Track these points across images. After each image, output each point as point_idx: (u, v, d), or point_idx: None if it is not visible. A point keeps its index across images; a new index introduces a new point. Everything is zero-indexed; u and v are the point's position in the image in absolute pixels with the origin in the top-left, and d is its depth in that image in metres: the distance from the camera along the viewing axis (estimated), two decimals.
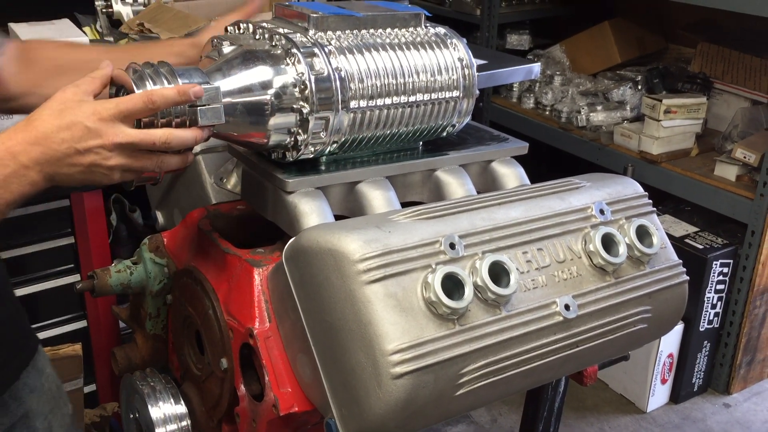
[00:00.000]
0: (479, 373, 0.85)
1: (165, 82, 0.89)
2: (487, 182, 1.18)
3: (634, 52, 3.27)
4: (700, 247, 2.45)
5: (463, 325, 0.84)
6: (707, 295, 2.47)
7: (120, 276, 1.17)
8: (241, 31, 1.04)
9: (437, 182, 1.13)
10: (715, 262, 2.43)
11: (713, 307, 2.50)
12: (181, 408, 1.11)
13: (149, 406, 1.09)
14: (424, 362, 0.81)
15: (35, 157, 0.84)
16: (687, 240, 2.49)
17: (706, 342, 2.54)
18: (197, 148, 1.21)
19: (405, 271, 0.84)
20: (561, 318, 0.91)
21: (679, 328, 2.50)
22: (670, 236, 2.50)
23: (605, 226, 0.98)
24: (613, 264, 0.96)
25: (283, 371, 0.97)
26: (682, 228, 2.58)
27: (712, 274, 2.45)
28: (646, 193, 1.09)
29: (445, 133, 1.14)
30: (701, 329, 2.51)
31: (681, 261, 1.06)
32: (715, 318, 2.53)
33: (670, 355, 2.51)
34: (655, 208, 1.08)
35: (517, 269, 0.89)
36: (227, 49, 1.01)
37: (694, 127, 2.75)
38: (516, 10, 3.46)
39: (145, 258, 1.18)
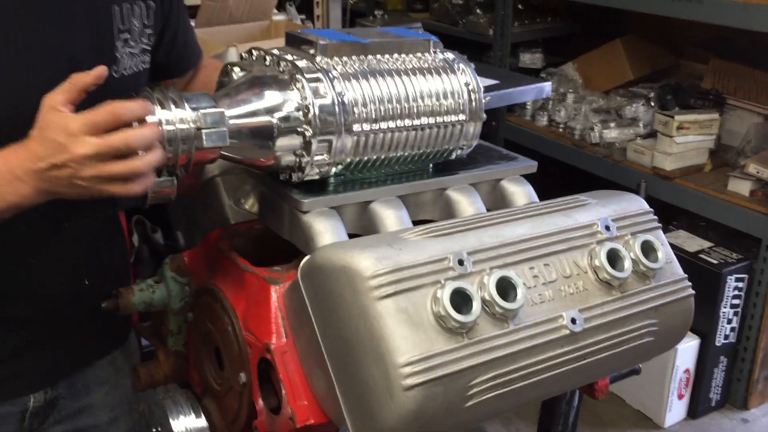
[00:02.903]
0: (488, 385, 0.88)
1: (172, 106, 0.94)
2: (497, 200, 1.21)
3: (646, 69, 3.30)
4: (715, 262, 2.47)
5: (472, 339, 0.87)
6: (723, 310, 2.48)
7: (143, 295, 1.21)
8: (254, 58, 1.09)
9: (448, 201, 1.16)
10: (729, 277, 2.44)
11: (729, 322, 2.51)
12: (202, 422, 1.15)
13: (171, 420, 1.13)
14: (434, 374, 0.84)
15: (27, 172, 0.91)
16: (701, 255, 2.51)
17: (722, 357, 2.55)
18: (216, 171, 1.26)
19: (415, 286, 0.87)
20: (568, 331, 0.94)
21: (695, 343, 2.51)
22: (684, 252, 2.52)
23: (611, 242, 1.01)
24: (619, 278, 0.99)
25: (300, 385, 1.00)
26: (697, 243, 2.60)
27: (727, 289, 2.46)
28: (652, 209, 1.11)
29: (453, 156, 1.18)
30: (717, 344, 2.52)
31: (686, 275, 1.08)
32: (732, 333, 2.53)
33: (687, 371, 2.52)
34: (660, 224, 1.11)
35: (524, 284, 0.92)
36: (236, 74, 1.06)
37: (707, 143, 2.77)
38: (528, 30, 3.51)
39: (167, 277, 1.22)
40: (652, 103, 3.03)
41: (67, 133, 0.88)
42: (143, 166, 0.91)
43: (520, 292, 0.90)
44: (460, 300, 0.87)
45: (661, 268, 1.04)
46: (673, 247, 2.47)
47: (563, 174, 3.26)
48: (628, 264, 1.00)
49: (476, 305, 0.87)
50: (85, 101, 0.93)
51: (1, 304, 1.14)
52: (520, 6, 3.66)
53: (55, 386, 1.23)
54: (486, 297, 0.89)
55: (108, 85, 0.98)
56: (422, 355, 0.84)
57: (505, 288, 0.91)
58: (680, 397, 2.53)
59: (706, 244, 2.58)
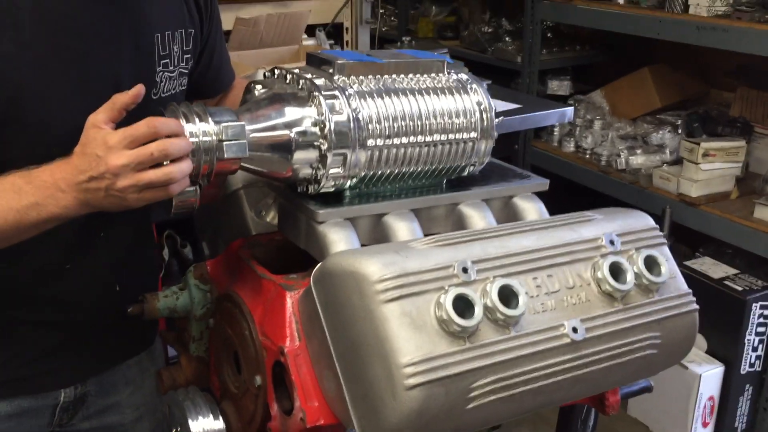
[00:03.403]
0: (489, 388, 0.92)
1: (197, 119, 1.01)
2: (508, 216, 1.25)
3: (674, 97, 3.31)
4: (740, 289, 2.46)
5: (474, 343, 0.91)
6: (747, 337, 2.46)
7: (167, 301, 1.27)
8: (276, 76, 1.15)
9: (460, 216, 1.20)
10: (755, 304, 2.43)
11: (754, 350, 2.49)
12: (219, 424, 1.19)
13: (190, 421, 1.17)
14: (436, 375, 0.88)
15: (69, 184, 0.99)
16: (726, 282, 2.50)
17: (747, 385, 2.53)
18: (239, 184, 1.32)
19: (419, 291, 0.91)
20: (569, 340, 0.97)
21: (719, 370, 2.49)
22: (708, 278, 2.52)
23: (614, 256, 1.04)
24: (621, 291, 1.02)
25: (311, 387, 1.04)
26: (722, 270, 2.59)
27: (752, 317, 2.44)
28: (658, 226, 1.14)
29: (466, 173, 1.22)
30: (742, 372, 2.50)
31: (691, 291, 1.11)
32: (757, 361, 2.51)
33: (711, 398, 2.50)
34: (665, 241, 1.13)
35: (526, 293, 0.96)
36: (258, 91, 1.13)
37: (733, 170, 2.77)
38: (556, 57, 3.56)
39: (190, 284, 1.28)
40: (680, 131, 3.04)
41: (106, 147, 0.96)
42: (177, 173, 0.98)
43: (522, 299, 0.94)
44: (463, 306, 0.91)
45: (665, 283, 1.06)
46: (698, 273, 2.49)
47: (590, 200, 3.28)
48: (630, 277, 1.03)
49: (478, 311, 0.91)
50: (125, 120, 1.00)
51: (38, 307, 1.23)
52: (549, 34, 3.72)
53: (85, 383, 1.30)
54: (488, 304, 0.93)
55: (147, 105, 1.06)
56: (424, 357, 0.88)
57: (508, 296, 0.94)
58: (705, 425, 2.51)
59: (732, 270, 2.57)
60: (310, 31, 2.64)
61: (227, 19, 2.28)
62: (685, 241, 2.91)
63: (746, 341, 2.45)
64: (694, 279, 2.56)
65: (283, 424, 1.09)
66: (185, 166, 0.99)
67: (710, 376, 2.46)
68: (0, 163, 1.06)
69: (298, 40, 2.38)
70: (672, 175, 2.83)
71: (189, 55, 1.30)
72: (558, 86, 3.61)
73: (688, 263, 2.64)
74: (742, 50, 2.51)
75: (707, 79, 3.38)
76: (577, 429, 1.55)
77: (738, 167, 2.77)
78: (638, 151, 3.03)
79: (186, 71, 1.30)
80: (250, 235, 1.31)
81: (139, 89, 1.00)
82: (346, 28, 2.90)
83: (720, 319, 2.48)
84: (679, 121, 3.07)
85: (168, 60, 1.24)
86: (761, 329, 2.47)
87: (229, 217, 1.34)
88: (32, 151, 1.06)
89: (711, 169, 2.73)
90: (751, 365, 2.50)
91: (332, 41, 2.77)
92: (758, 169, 2.90)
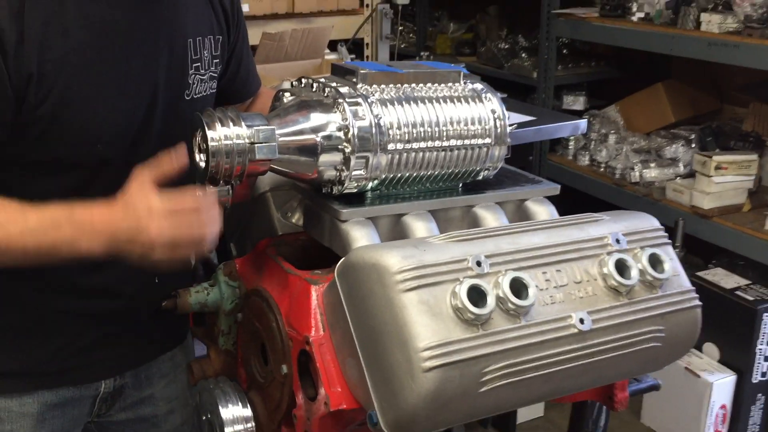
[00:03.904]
0: (500, 373, 0.98)
1: (231, 123, 1.09)
2: (521, 219, 1.32)
3: (688, 112, 3.37)
4: (751, 299, 2.50)
5: (486, 330, 0.98)
6: (759, 346, 2.50)
7: (198, 296, 1.35)
8: (303, 85, 1.23)
9: (475, 217, 1.27)
10: (766, 314, 2.47)
11: (766, 359, 2.53)
12: (248, 411, 1.26)
13: (220, 408, 1.25)
14: (451, 359, 0.94)
15: (104, 234, 1.07)
16: (738, 292, 2.55)
17: (759, 395, 2.56)
18: (266, 187, 1.40)
19: (436, 282, 0.98)
20: (576, 330, 1.03)
21: (731, 379, 2.53)
22: (720, 288, 2.57)
23: (620, 253, 1.11)
24: (626, 285, 1.08)
25: (334, 374, 1.11)
26: (734, 281, 2.64)
27: (763, 326, 2.48)
28: (662, 227, 1.21)
29: (480, 177, 1.30)
30: (754, 381, 2.54)
31: (694, 288, 1.17)
32: None
33: (723, 407, 2.54)
34: (670, 241, 1.20)
35: (536, 286, 1.03)
36: (287, 98, 1.21)
37: (745, 183, 2.83)
38: (572, 73, 3.63)
39: (220, 281, 1.36)
40: (693, 145, 3.10)
41: (151, 213, 1.05)
42: (209, 247, 1.09)
43: (532, 291, 1.01)
44: (476, 296, 0.98)
45: (668, 279, 1.13)
46: (710, 284, 2.54)
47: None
48: (635, 273, 1.10)
49: (491, 300, 0.98)
50: (165, 116, 1.16)
51: (83, 298, 1.31)
52: (564, 50, 3.79)
53: (123, 376, 1.39)
54: (500, 294, 0.99)
55: (180, 106, 1.18)
56: (440, 342, 0.95)
57: (519, 288, 1.01)
58: None
59: (743, 281, 2.62)
60: (332, 46, 2.75)
61: (254, 33, 2.38)
62: (699, 252, 2.95)
63: (758, 350, 2.49)
64: (706, 289, 2.61)
65: (307, 409, 1.16)
66: (214, 233, 1.10)
67: (722, 384, 2.50)
68: (49, 162, 1.15)
69: (321, 55, 2.48)
70: (685, 188, 2.89)
71: (218, 60, 1.39)
72: (573, 101, 3.68)
73: (700, 274, 2.69)
74: (753, 66, 2.57)
75: (720, 94, 3.44)
76: (588, 429, 1.60)
77: (750, 180, 2.82)
78: (652, 165, 3.09)
79: (215, 75, 1.39)
80: (277, 235, 1.38)
81: (184, 162, 1.11)
82: (367, 44, 3.00)
83: (732, 329, 2.52)
84: (693, 136, 3.13)
85: (199, 64, 1.34)
86: None
87: (257, 219, 1.42)
88: (78, 148, 1.16)
89: (723, 182, 2.78)
90: (763, 374, 2.53)
91: (353, 56, 2.87)
92: None
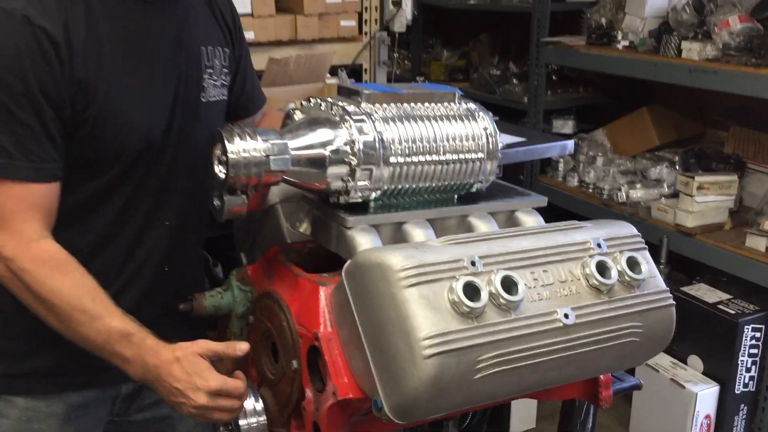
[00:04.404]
0: (493, 361, 1.09)
1: (248, 137, 1.21)
2: (511, 227, 1.43)
3: (672, 136, 3.51)
4: (732, 312, 2.62)
5: (480, 323, 1.08)
6: (741, 358, 2.61)
7: (213, 299, 1.46)
8: (312, 104, 1.35)
9: (469, 226, 1.39)
10: (746, 327, 2.58)
11: (748, 370, 2.64)
12: (260, 405, 1.36)
13: None
14: (449, 347, 1.05)
15: (155, 372, 1.24)
16: (720, 306, 2.66)
17: (743, 405, 2.66)
18: (276, 199, 1.51)
19: (435, 279, 1.09)
20: (561, 324, 1.14)
21: (715, 389, 2.64)
22: (703, 302, 2.68)
23: (600, 256, 1.23)
24: (606, 285, 1.19)
25: (342, 367, 1.22)
26: (716, 295, 2.75)
27: (744, 338, 2.59)
28: (639, 234, 1.32)
29: (474, 189, 1.41)
30: (737, 392, 2.64)
31: (668, 288, 1.28)
32: (751, 381, 2.65)
33: (708, 416, 2.64)
34: (646, 246, 1.31)
35: (525, 284, 1.14)
36: (298, 116, 1.33)
37: (726, 203, 2.95)
38: (561, 98, 3.77)
39: (232, 286, 1.47)
40: (677, 166, 3.23)
41: (205, 386, 1.21)
42: (235, 414, 1.26)
43: (521, 288, 1.12)
44: (471, 291, 1.09)
45: (645, 280, 1.24)
46: (693, 298, 2.65)
47: None
48: (614, 273, 1.21)
49: (484, 295, 1.09)
50: (185, 115, 1.36)
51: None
52: (554, 77, 3.94)
53: None
54: (492, 291, 1.10)
55: (197, 106, 1.39)
56: (439, 332, 1.05)
57: (509, 285, 1.12)
58: None
59: (725, 296, 2.73)
60: (333, 71, 2.88)
61: (261, 59, 2.53)
62: (683, 269, 3.07)
63: (740, 362, 2.60)
64: (690, 304, 2.72)
65: (316, 401, 1.26)
66: (239, 407, 1.27)
67: (706, 395, 2.61)
68: (93, 159, 1.32)
69: (323, 79, 2.62)
70: (669, 208, 3.01)
71: (227, 71, 1.55)
72: (562, 125, 3.82)
73: (684, 289, 2.81)
74: (732, 91, 2.71)
75: (702, 119, 3.58)
76: (577, 430, 1.70)
77: (731, 200, 2.94)
78: (638, 186, 3.21)
79: (226, 84, 1.55)
80: (286, 243, 1.49)
81: (245, 348, 1.28)
82: (365, 69, 3.15)
83: (714, 341, 2.63)
84: (676, 158, 3.26)
85: (212, 70, 1.49)
86: (754, 351, 2.61)
87: (267, 228, 1.53)
88: (118, 143, 1.33)
89: (705, 202, 2.90)
90: (745, 385, 2.64)
91: (352, 80, 3.00)
92: (752, 202, 3.07)
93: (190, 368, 1.22)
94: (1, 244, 1.25)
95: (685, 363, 2.76)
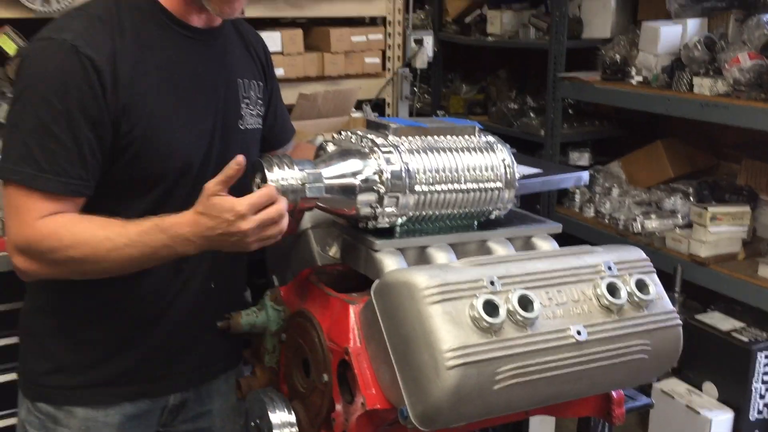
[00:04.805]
0: (510, 373, 1.18)
1: (286, 167, 1.32)
2: None
3: (686, 168, 3.60)
4: (746, 340, 2.68)
5: (499, 337, 1.18)
6: (755, 385, 2.66)
7: (248, 318, 1.56)
8: (343, 137, 1.46)
9: (488, 250, 1.48)
10: (759, 354, 2.64)
11: (762, 397, 2.69)
12: (293, 417, 1.45)
13: (270, 413, 1.44)
14: (470, 359, 1.14)
15: (198, 236, 1.31)
16: (733, 333, 2.72)
17: (757, 431, 2.71)
18: (308, 225, 1.63)
19: (457, 297, 1.19)
20: (574, 340, 1.23)
21: (729, 416, 2.69)
22: (717, 330, 2.75)
23: (611, 278, 1.32)
24: (616, 304, 1.29)
25: (370, 379, 1.31)
26: (730, 323, 2.82)
27: (757, 365, 2.65)
28: (648, 257, 1.41)
29: (493, 216, 1.51)
30: (752, 419, 2.69)
31: (675, 309, 1.37)
32: (765, 408, 2.70)
33: None
34: (654, 269, 1.40)
35: (540, 302, 1.23)
36: (330, 148, 1.44)
37: (739, 234, 3.03)
38: (577, 131, 3.88)
39: (266, 305, 1.57)
40: (691, 198, 3.31)
41: (236, 214, 1.27)
42: (285, 227, 1.32)
43: (536, 305, 1.21)
44: (490, 308, 1.19)
45: (653, 301, 1.33)
46: (707, 326, 2.73)
47: None
48: (624, 294, 1.30)
49: (502, 312, 1.18)
50: (223, 140, 1.48)
51: (159, 313, 1.53)
52: (570, 110, 4.05)
53: (188, 391, 1.59)
54: (510, 308, 1.20)
55: (236, 133, 1.51)
56: (461, 345, 1.15)
57: (525, 303, 1.22)
58: None
59: (739, 324, 2.79)
60: (358, 105, 3.02)
61: (291, 94, 2.67)
62: (697, 298, 3.14)
63: (754, 389, 2.65)
64: (704, 331, 2.78)
65: (345, 411, 1.36)
66: (287, 220, 1.32)
67: (721, 421, 2.66)
68: (137, 180, 1.44)
69: (349, 112, 2.75)
70: (683, 238, 3.09)
71: (261, 102, 1.67)
72: (578, 157, 3.92)
73: (698, 317, 2.87)
74: (742, 125, 2.81)
75: (715, 151, 3.66)
76: None
77: (744, 231, 3.02)
78: (653, 216, 3.30)
79: (261, 114, 1.67)
80: (317, 266, 1.60)
81: (241, 159, 1.32)
82: (388, 103, 3.28)
83: (729, 368, 2.69)
84: (690, 189, 3.34)
85: (248, 100, 1.62)
86: (767, 378, 2.67)
87: (299, 252, 1.64)
88: (162, 164, 1.44)
89: (718, 232, 2.98)
90: (759, 412, 2.68)
91: (376, 114, 3.14)
92: (764, 233, 3.15)
93: (213, 211, 1.28)
94: (21, 246, 1.35)
95: (700, 389, 2.82)
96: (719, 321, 2.82)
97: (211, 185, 1.30)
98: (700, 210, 3.00)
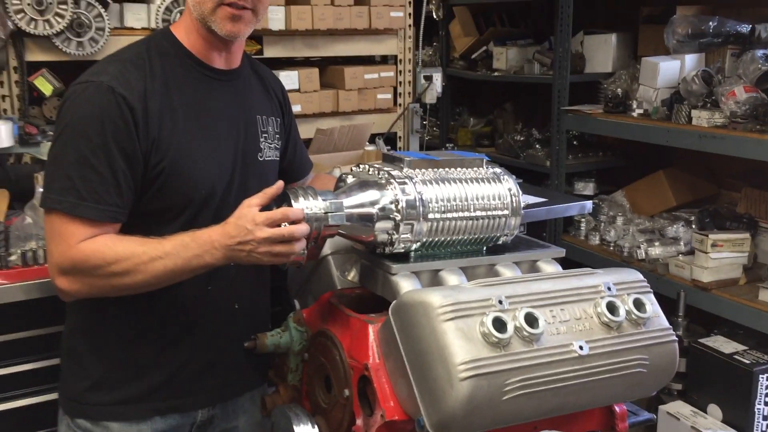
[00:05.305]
0: (518, 385, 1.29)
1: (310, 197, 1.44)
2: None
3: (688, 197, 3.70)
4: (747, 362, 2.76)
5: (507, 351, 1.29)
6: (757, 406, 2.74)
7: (273, 338, 1.67)
8: (361, 169, 1.59)
9: (496, 274, 1.60)
10: (761, 376, 2.72)
11: (765, 418, 2.76)
12: (316, 431, 1.56)
13: (294, 427, 1.54)
14: (481, 371, 1.25)
15: (221, 245, 1.43)
16: (735, 356, 2.80)
17: None
18: (328, 251, 1.74)
19: (468, 314, 1.30)
20: (576, 354, 1.34)
21: None
22: (719, 353, 2.83)
23: (610, 297, 1.43)
24: (615, 322, 1.39)
25: (388, 393, 1.42)
26: (732, 346, 2.90)
27: (759, 387, 2.73)
28: (645, 279, 1.52)
29: (500, 242, 1.63)
30: None
31: (671, 326, 1.48)
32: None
33: None
34: (651, 290, 1.51)
35: (545, 320, 1.34)
36: (350, 179, 1.57)
37: (740, 260, 3.12)
38: (581, 162, 3.99)
39: (290, 326, 1.68)
40: (693, 225, 3.41)
41: (254, 223, 1.41)
42: (297, 248, 1.43)
43: (541, 322, 1.32)
44: (499, 325, 1.30)
45: (650, 319, 1.43)
46: (710, 349, 2.81)
47: None
48: (622, 312, 1.41)
49: (510, 328, 1.29)
50: (243, 171, 1.60)
51: (188, 326, 1.64)
52: (575, 142, 4.18)
53: (215, 407, 1.69)
54: (517, 324, 1.31)
55: (255, 165, 1.65)
56: (472, 358, 1.26)
57: (531, 320, 1.33)
58: None
59: (741, 347, 2.87)
60: (371, 138, 3.16)
61: (309, 130, 2.81)
62: (701, 322, 3.22)
63: (756, 410, 2.73)
64: (707, 354, 2.86)
65: (365, 424, 1.46)
66: (300, 245, 1.43)
67: None
68: (163, 209, 1.56)
69: (363, 146, 2.89)
70: (686, 264, 3.18)
71: (279, 136, 1.81)
72: (583, 187, 4.03)
73: (702, 340, 2.95)
74: (739, 155, 2.92)
75: (716, 180, 3.77)
76: None
77: (744, 257, 3.11)
78: (656, 243, 3.40)
79: (278, 147, 1.81)
80: (337, 289, 1.72)
81: (280, 184, 1.47)
82: (399, 137, 3.43)
83: (732, 390, 2.77)
84: (692, 217, 3.44)
85: (267, 135, 1.76)
86: None
87: (320, 277, 1.76)
88: (187, 195, 1.56)
89: (720, 258, 3.08)
90: None
91: (389, 146, 3.28)
92: (765, 259, 3.23)
93: (238, 221, 1.42)
94: (66, 267, 1.48)
95: (705, 411, 2.89)
96: (722, 344, 2.90)
97: (249, 199, 1.45)
98: (702, 237, 3.10)
